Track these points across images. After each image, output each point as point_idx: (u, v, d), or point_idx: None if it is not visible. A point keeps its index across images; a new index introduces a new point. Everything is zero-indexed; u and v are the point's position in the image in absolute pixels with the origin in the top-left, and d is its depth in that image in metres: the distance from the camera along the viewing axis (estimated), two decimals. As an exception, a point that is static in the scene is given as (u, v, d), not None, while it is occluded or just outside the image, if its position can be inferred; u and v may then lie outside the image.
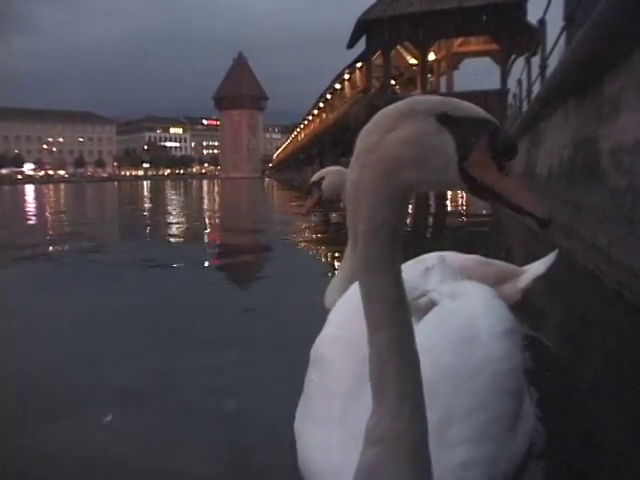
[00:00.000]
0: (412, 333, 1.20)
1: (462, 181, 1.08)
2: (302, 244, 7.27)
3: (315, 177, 3.56)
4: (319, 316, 1.95)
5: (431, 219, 11.62)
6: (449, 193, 17.54)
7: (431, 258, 3.31)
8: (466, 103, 1.13)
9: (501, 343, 1.61)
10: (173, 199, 23.16)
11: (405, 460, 1.15)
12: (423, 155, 1.10)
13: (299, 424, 1.68)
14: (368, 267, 1.17)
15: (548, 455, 1.75)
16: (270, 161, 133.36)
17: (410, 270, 3.29)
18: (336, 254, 5.70)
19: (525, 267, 3.25)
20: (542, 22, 9.58)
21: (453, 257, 2.76)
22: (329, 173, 3.53)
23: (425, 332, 1.49)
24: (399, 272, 1.19)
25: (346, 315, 1.80)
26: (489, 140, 1.08)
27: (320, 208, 4.62)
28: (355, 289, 1.96)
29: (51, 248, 7.34)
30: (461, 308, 1.73)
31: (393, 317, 1.17)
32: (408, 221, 9.03)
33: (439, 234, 8.84)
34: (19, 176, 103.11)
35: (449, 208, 14.58)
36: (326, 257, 6.21)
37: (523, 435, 1.60)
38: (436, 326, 1.63)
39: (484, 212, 11.63)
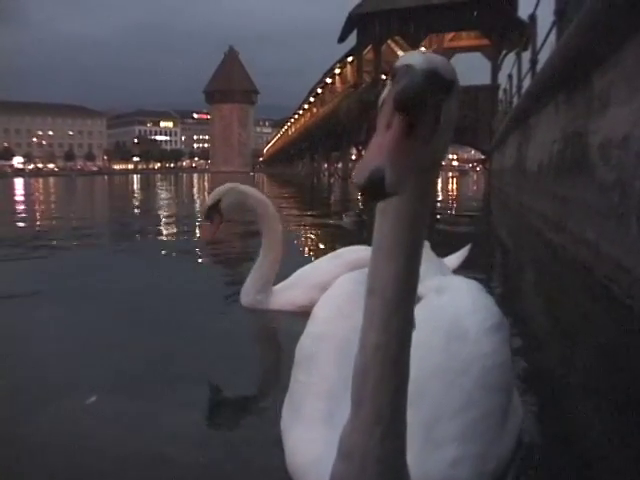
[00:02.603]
0: (407, 340, 1.15)
1: None
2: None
3: (210, 201, 3.32)
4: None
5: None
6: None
7: (348, 252, 3.44)
8: (410, 55, 1.03)
9: (490, 339, 1.59)
10: (163, 197, 22.96)
11: (372, 477, 1.13)
12: None
13: (286, 422, 1.67)
14: (375, 251, 1.15)
15: (536, 450, 1.73)
16: (261, 155, 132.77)
17: (326, 263, 3.42)
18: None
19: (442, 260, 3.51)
20: (533, 17, 9.61)
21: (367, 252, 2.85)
22: (225, 194, 3.34)
23: None
24: (412, 263, 1.13)
25: (331, 311, 1.79)
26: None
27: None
28: (339, 284, 1.95)
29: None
30: (448, 303, 1.71)
31: (389, 317, 1.12)
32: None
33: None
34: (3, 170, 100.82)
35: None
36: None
37: (512, 431, 1.59)
38: (424, 322, 1.60)
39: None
